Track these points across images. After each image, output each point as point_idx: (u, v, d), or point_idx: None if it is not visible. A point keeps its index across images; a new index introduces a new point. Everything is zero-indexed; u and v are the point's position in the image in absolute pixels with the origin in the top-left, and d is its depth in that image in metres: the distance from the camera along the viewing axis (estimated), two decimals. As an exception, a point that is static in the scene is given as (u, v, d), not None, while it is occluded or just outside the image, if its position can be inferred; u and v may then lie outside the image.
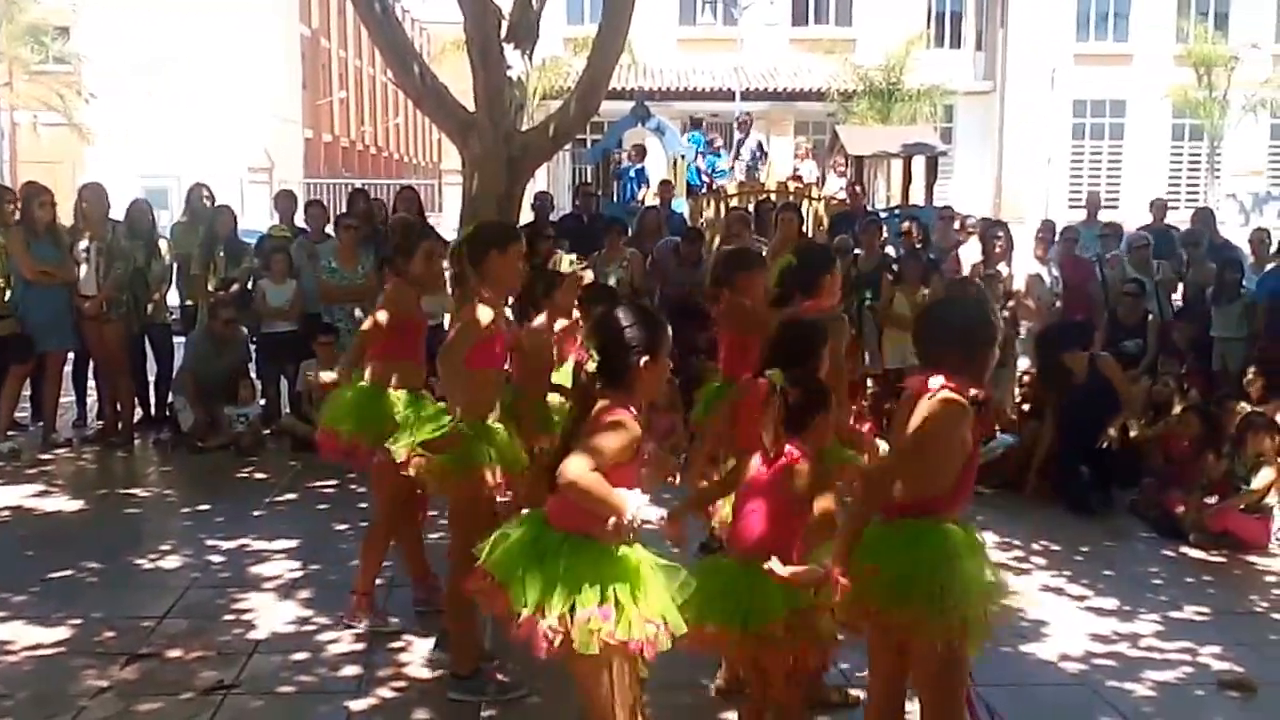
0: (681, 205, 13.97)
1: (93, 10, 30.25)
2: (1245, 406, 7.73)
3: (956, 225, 11.29)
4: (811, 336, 3.99)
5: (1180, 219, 15.69)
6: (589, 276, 6.77)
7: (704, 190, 15.41)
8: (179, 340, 9.42)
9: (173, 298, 9.96)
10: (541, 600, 3.06)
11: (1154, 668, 4.86)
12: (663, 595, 3.14)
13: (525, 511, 3.43)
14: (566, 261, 6.98)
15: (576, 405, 3.31)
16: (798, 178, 15.91)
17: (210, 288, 9.23)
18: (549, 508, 3.24)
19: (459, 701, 4.30)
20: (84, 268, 8.51)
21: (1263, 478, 6.80)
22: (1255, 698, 4.61)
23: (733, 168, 16.22)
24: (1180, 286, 10.40)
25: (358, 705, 4.31)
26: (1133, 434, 8.02)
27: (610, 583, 3.06)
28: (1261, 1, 28.22)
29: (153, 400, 9.39)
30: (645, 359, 3.17)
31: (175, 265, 9.50)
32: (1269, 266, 9.77)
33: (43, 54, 29.23)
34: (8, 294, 8.36)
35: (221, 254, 9.38)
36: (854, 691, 4.31)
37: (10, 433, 8.50)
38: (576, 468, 3.02)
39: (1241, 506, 6.79)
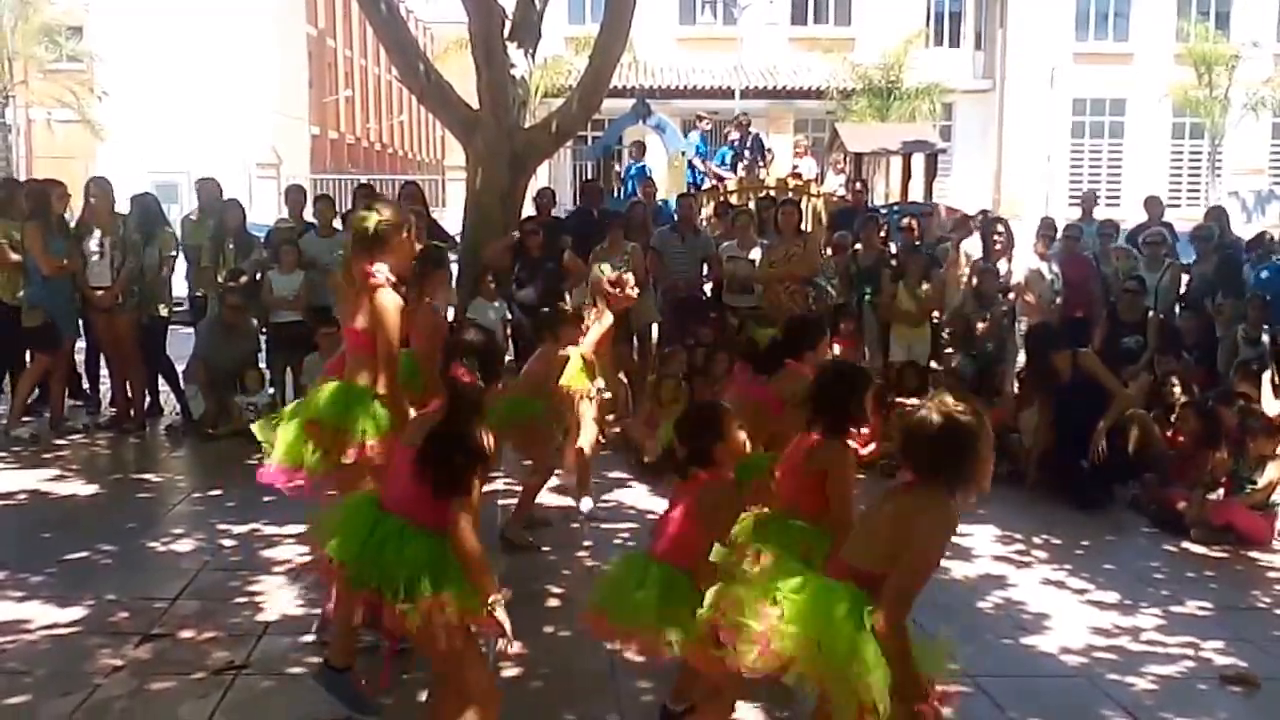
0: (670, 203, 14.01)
1: (105, 10, 30.57)
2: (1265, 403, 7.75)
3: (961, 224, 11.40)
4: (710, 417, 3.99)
5: (1180, 217, 15.78)
6: (631, 279, 7.02)
7: (704, 187, 15.46)
8: (187, 331, 9.50)
9: (183, 289, 10.06)
10: (389, 585, 3.27)
11: (1155, 662, 4.87)
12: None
13: (355, 495, 3.70)
14: (608, 268, 7.10)
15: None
16: (797, 175, 15.97)
17: (220, 280, 9.30)
18: (387, 493, 3.49)
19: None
20: (95, 259, 8.60)
21: (1268, 475, 6.84)
22: (1258, 693, 4.62)
23: (736, 167, 16.26)
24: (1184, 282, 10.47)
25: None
26: (1132, 436, 8.04)
27: (444, 571, 3.28)
28: (1262, 0, 28.24)
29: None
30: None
31: (185, 257, 9.58)
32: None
33: (56, 53, 29.52)
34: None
35: (231, 246, 9.47)
36: None
37: (26, 419, 8.59)
38: None
39: (1248, 505, 6.84)
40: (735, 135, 16.39)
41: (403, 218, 4.51)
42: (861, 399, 3.99)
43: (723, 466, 3.73)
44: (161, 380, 9.45)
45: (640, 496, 7.18)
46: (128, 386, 9.02)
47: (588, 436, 6.79)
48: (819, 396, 3.98)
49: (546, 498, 6.86)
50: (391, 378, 4.34)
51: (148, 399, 9.24)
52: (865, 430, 4.09)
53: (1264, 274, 9.64)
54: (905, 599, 3.00)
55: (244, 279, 9.14)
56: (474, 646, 3.44)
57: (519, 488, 6.58)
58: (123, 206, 9.13)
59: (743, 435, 3.85)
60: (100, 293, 8.63)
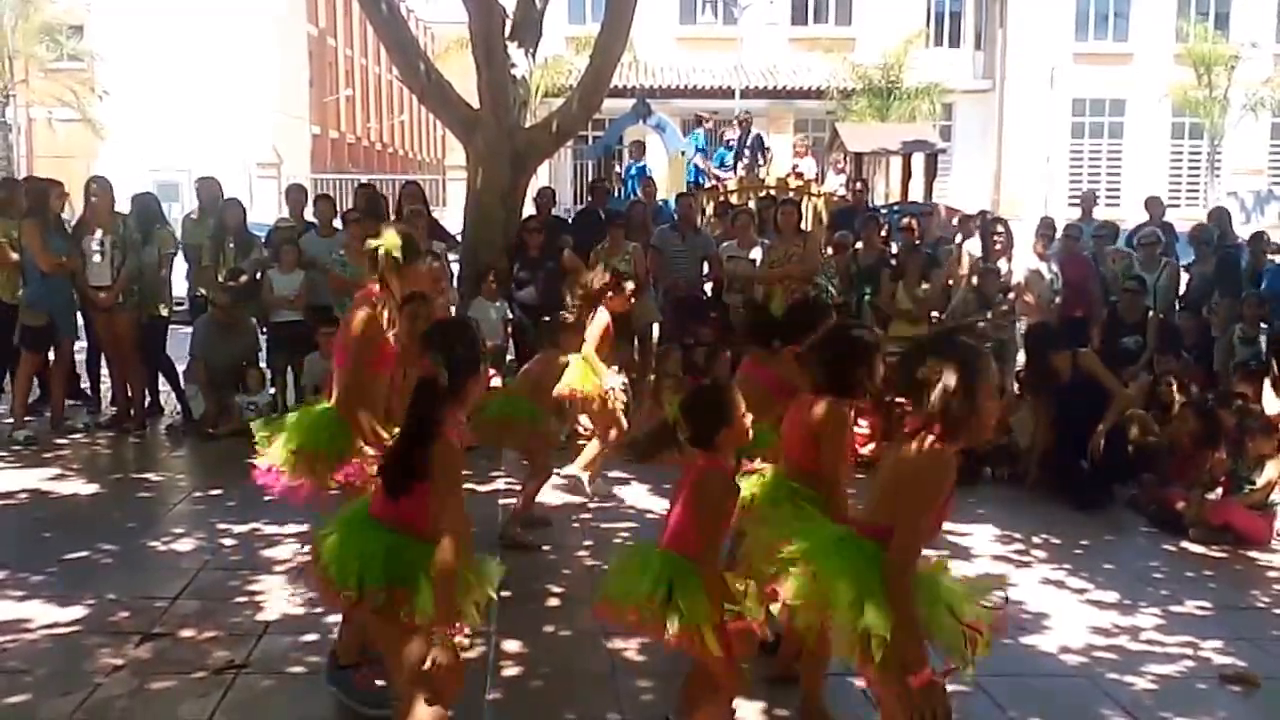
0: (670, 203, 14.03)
1: (106, 9, 30.66)
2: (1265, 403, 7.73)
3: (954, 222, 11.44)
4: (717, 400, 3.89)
5: (1180, 217, 15.80)
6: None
7: (705, 186, 15.48)
8: (187, 331, 9.51)
9: (183, 289, 10.06)
10: (343, 573, 3.30)
11: (1155, 661, 4.87)
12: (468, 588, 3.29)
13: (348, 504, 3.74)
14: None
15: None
16: (798, 174, 16.00)
17: (220, 279, 9.31)
18: (374, 501, 3.46)
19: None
20: (96, 258, 8.61)
21: (1267, 474, 6.84)
22: (1257, 692, 4.61)
23: (736, 165, 16.29)
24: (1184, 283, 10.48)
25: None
26: (1132, 434, 8.05)
27: (407, 571, 3.25)
28: (1261, 0, 28.26)
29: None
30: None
31: (185, 257, 9.58)
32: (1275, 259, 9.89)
33: (57, 52, 29.59)
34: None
35: (231, 246, 9.48)
36: None
37: (27, 419, 8.59)
38: None
39: (1247, 505, 6.83)
40: (733, 134, 16.43)
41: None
42: (868, 367, 3.93)
43: (723, 452, 3.67)
44: (162, 380, 9.46)
45: (640, 496, 7.19)
46: (128, 386, 9.03)
47: (612, 431, 6.90)
48: (821, 355, 3.96)
49: (546, 497, 6.87)
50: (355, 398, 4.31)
51: (148, 399, 9.25)
52: (866, 429, 4.05)
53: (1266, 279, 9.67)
54: (906, 551, 2.98)
55: (244, 278, 9.16)
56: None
57: (519, 487, 6.60)
58: (123, 206, 9.14)
59: (748, 420, 3.75)
60: (101, 293, 8.63)
